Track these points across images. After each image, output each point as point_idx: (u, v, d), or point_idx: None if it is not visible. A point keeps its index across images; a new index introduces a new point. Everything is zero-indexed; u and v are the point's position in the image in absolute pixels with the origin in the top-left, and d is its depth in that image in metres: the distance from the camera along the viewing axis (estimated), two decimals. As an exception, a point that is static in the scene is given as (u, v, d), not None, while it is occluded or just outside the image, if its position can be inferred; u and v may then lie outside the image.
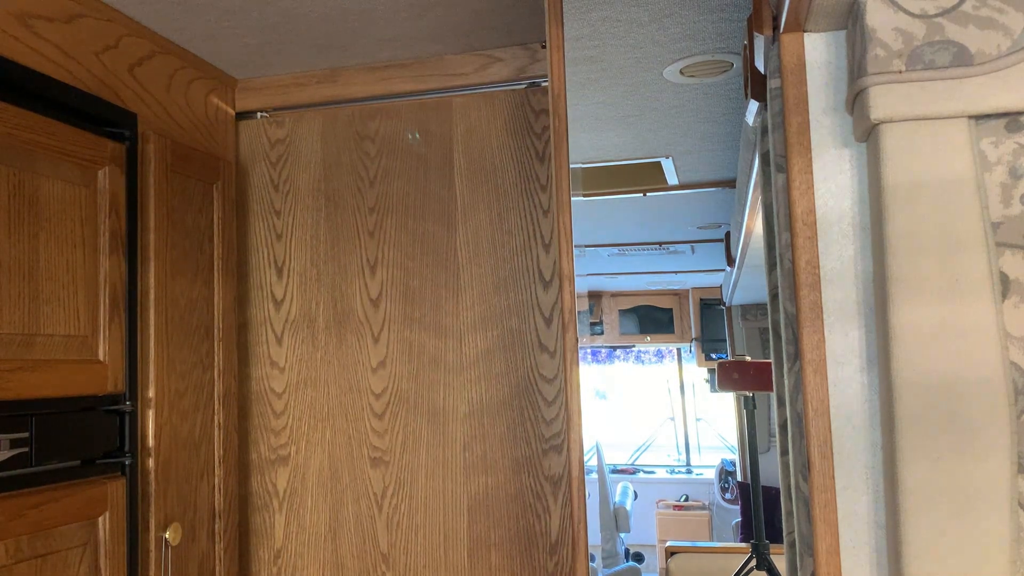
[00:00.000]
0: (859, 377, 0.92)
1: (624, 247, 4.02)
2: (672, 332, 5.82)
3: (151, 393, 1.64)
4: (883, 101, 0.85)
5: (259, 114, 2.09)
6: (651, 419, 7.05)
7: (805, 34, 0.96)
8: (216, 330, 1.86)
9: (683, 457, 6.77)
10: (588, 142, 2.24)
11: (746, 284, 3.89)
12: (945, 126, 0.84)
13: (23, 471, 1.37)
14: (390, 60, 1.98)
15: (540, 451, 1.87)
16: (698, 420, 6.83)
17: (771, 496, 3.61)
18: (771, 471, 4.18)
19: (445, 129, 1.99)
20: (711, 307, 5.58)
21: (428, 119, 2.00)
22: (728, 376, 3.09)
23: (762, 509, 2.99)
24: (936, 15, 0.85)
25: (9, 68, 1.38)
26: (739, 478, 5.23)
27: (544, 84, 1.90)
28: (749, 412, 3.25)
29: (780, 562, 2.82)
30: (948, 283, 0.82)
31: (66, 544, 1.42)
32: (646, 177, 2.62)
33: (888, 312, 0.84)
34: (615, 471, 6.29)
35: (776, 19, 1.01)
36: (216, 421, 1.84)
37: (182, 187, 1.77)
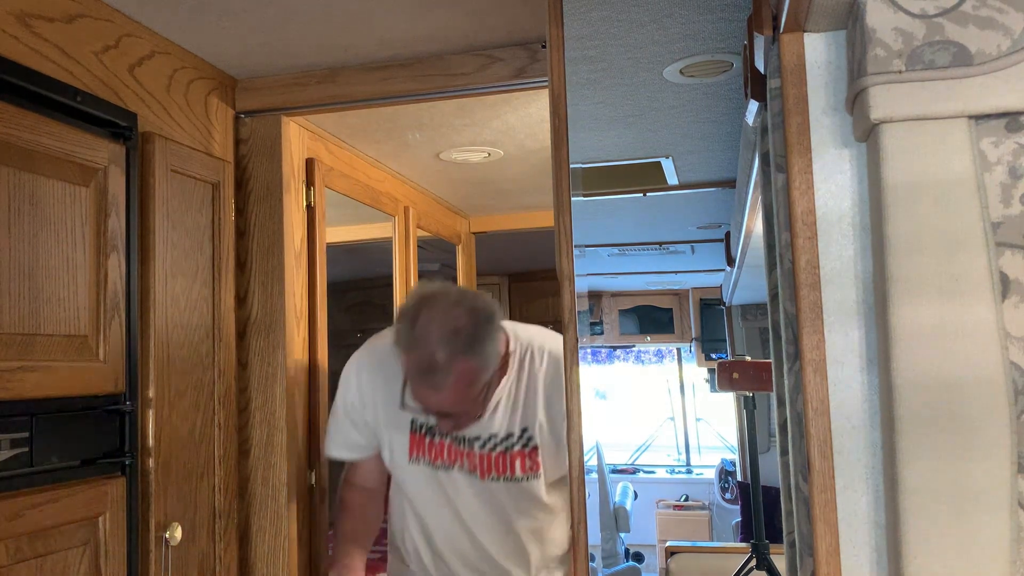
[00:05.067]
0: (859, 377, 0.92)
1: (624, 247, 4.02)
2: (672, 332, 5.81)
3: (151, 393, 1.64)
4: (883, 101, 0.84)
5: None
6: (651, 419, 7.05)
7: (805, 34, 0.96)
8: (216, 330, 1.86)
9: (683, 457, 6.77)
10: (588, 142, 2.24)
11: (746, 284, 3.89)
12: (945, 126, 0.84)
13: (23, 471, 1.37)
14: (390, 60, 1.98)
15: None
16: (698, 420, 6.83)
17: (771, 496, 3.60)
18: (771, 471, 4.16)
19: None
20: (711, 307, 5.58)
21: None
22: (728, 376, 3.09)
23: (762, 509, 2.99)
24: (936, 15, 0.85)
25: (9, 68, 1.38)
26: (739, 478, 5.22)
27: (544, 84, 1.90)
28: (749, 412, 3.25)
29: (780, 562, 2.82)
30: (948, 283, 0.82)
31: (66, 544, 1.42)
32: (646, 177, 2.61)
33: (888, 312, 0.84)
34: (615, 471, 6.28)
35: (776, 19, 1.01)
36: (216, 421, 1.84)
37: (182, 187, 1.77)
